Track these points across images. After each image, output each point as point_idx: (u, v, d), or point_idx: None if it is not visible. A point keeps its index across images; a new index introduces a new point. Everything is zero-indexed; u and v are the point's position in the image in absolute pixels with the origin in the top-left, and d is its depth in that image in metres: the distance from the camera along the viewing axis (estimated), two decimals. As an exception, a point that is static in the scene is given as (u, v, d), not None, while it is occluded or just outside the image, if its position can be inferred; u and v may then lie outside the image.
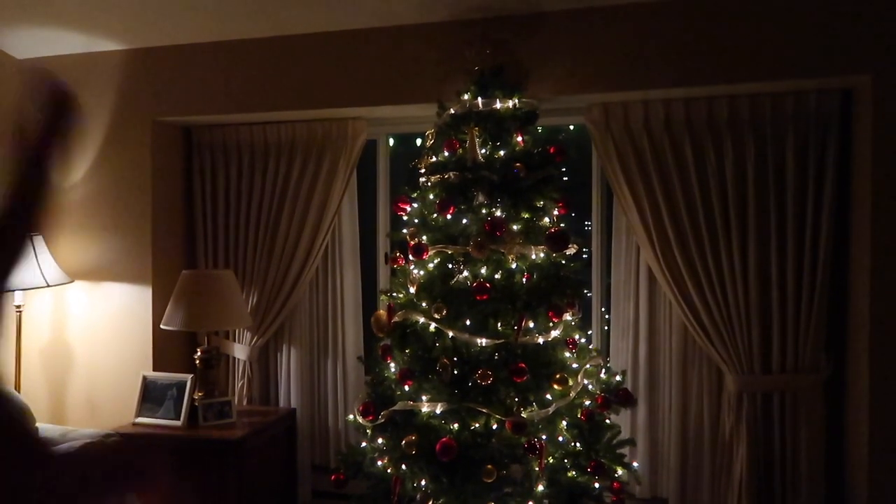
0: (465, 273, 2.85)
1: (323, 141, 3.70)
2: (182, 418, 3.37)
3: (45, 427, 3.23)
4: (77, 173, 3.83)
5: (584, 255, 3.51)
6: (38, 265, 3.52)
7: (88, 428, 3.34)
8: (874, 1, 2.84)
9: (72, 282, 3.74)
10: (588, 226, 3.65)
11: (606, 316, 3.62)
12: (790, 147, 3.08)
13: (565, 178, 3.05)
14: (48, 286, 3.55)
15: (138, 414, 3.45)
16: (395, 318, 2.92)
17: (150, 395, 3.48)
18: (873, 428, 2.87)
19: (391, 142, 3.93)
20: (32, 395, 3.68)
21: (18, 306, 3.60)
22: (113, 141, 3.77)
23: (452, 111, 3.03)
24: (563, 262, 2.93)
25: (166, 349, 3.78)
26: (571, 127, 3.70)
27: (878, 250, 2.86)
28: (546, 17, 3.19)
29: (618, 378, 3.06)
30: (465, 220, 2.88)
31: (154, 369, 3.67)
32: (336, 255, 3.85)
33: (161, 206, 3.79)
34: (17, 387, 3.56)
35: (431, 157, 3.04)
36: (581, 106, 3.36)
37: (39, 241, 3.59)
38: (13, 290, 3.52)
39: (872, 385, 2.87)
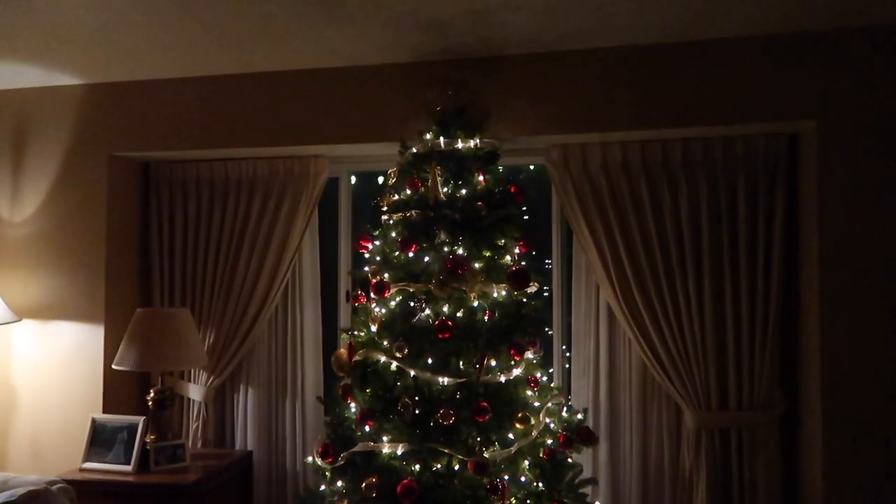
0: (427, 311, 2.84)
1: (284, 178, 3.69)
2: (133, 463, 3.25)
3: (-16, 474, 3.06)
4: (28, 208, 3.73)
5: (545, 294, 3.54)
6: (-17, 303, 3.39)
7: (32, 475, 3.18)
8: (818, 50, 2.99)
9: (19, 320, 3.61)
10: (548, 264, 3.69)
11: (567, 354, 3.64)
12: (741, 188, 3.19)
13: (526, 217, 3.09)
14: (-7, 325, 3.42)
15: (86, 459, 3.31)
16: (356, 357, 2.88)
17: (100, 439, 3.34)
18: (827, 463, 2.92)
19: (353, 179, 3.94)
20: (-28, 440, 3.50)
21: (-40, 346, 3.45)
22: (68, 176, 3.69)
23: (415, 150, 3.06)
24: (525, 300, 2.95)
25: (118, 390, 3.65)
26: (532, 167, 3.77)
27: (826, 290, 2.95)
28: (507, 60, 3.27)
29: (579, 416, 3.06)
30: (426, 259, 2.88)
31: (104, 411, 3.54)
32: (296, 292, 3.80)
33: (116, 242, 3.70)
34: (-44, 431, 3.39)
35: (394, 196, 3.05)
36: (541, 147, 3.43)
37: (-14, 279, 3.47)
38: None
39: (825, 420, 2.93)
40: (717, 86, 3.08)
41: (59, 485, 2.91)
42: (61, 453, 3.52)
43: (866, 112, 2.93)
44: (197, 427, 3.72)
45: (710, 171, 3.23)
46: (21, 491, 2.76)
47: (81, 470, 3.28)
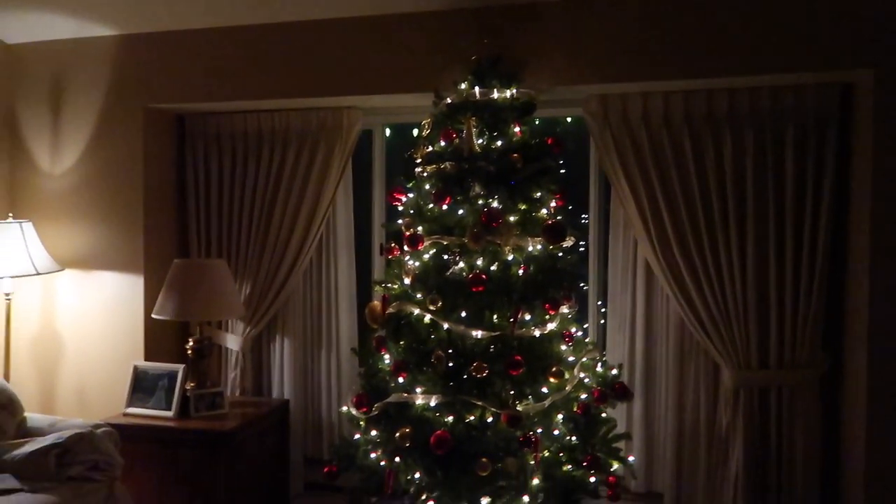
0: (461, 264, 2.81)
1: (317, 130, 3.66)
2: (173, 409, 3.33)
3: (33, 417, 3.18)
4: (68, 160, 3.78)
5: (581, 249, 3.48)
6: (27, 252, 3.47)
7: (78, 418, 3.30)
8: (877, -6, 2.81)
9: (62, 270, 3.70)
10: (584, 219, 3.62)
11: (602, 309, 3.60)
12: (789, 141, 3.06)
13: (562, 171, 3.02)
14: (38, 274, 3.50)
15: (129, 404, 3.41)
16: (390, 310, 2.89)
17: (141, 386, 3.44)
18: (870, 423, 2.85)
19: (387, 132, 3.89)
20: (21, 384, 3.63)
21: (8, 294, 3.55)
22: (105, 128, 3.72)
23: (449, 101, 3.00)
24: (560, 254, 2.90)
25: (158, 339, 3.74)
26: (569, 119, 3.67)
27: (877, 245, 2.84)
28: (544, 7, 3.15)
29: (614, 372, 3.04)
30: (461, 211, 2.84)
31: (145, 359, 3.63)
32: (330, 245, 3.81)
33: (153, 194, 3.74)
34: (6, 376, 3.51)
35: (427, 147, 3.00)
36: (579, 98, 3.32)
37: (29, 229, 3.54)
38: None
39: (870, 380, 2.85)
40: (766, 31, 2.92)
41: (104, 428, 3.01)
42: (105, 398, 3.64)
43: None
44: (234, 376, 3.80)
45: (756, 124, 3.09)
46: (68, 433, 2.87)
47: (125, 415, 3.38)
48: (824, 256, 3.04)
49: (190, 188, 3.89)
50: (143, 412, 3.37)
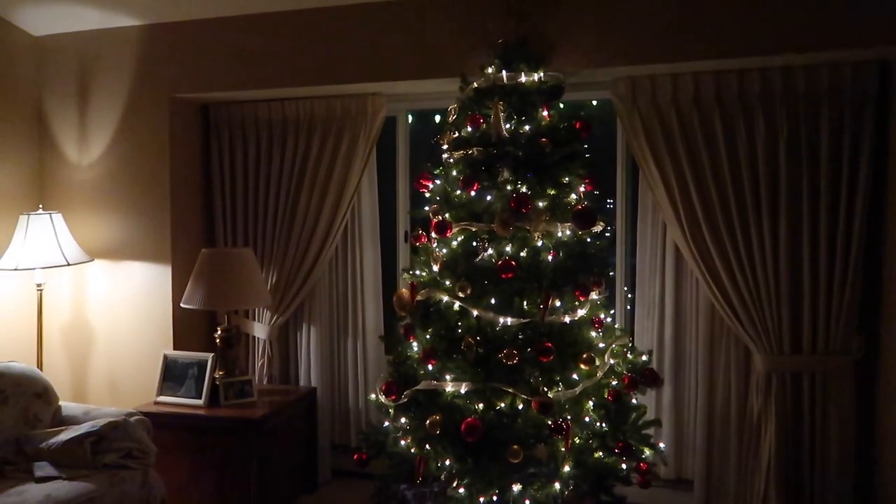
0: (490, 251, 2.79)
1: (342, 118, 3.65)
2: (203, 397, 3.37)
3: (67, 405, 3.23)
4: (95, 151, 3.80)
5: (608, 234, 3.45)
6: (58, 244, 3.51)
7: (110, 406, 3.34)
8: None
9: (91, 260, 3.73)
10: (610, 204, 3.58)
11: (630, 295, 3.56)
12: (824, 122, 2.98)
13: (589, 155, 2.97)
14: (68, 265, 3.54)
15: (160, 392, 3.45)
16: (418, 297, 2.88)
17: (171, 374, 3.47)
18: (907, 410, 2.80)
19: (410, 118, 3.87)
20: (54, 373, 3.68)
21: (39, 285, 3.59)
22: (131, 118, 3.74)
23: (476, 85, 2.96)
24: (590, 239, 2.87)
25: (186, 328, 3.77)
26: (594, 102, 3.61)
27: (917, 228, 2.77)
28: (571, -12, 3.09)
29: (644, 358, 3.01)
30: (489, 197, 2.82)
31: (174, 348, 3.66)
32: (356, 233, 3.81)
33: (179, 184, 3.75)
34: (40, 365, 3.56)
35: (454, 133, 2.97)
36: (606, 80, 3.27)
37: (59, 220, 3.58)
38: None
39: (908, 366, 2.80)
40: (800, 7, 2.83)
41: (137, 416, 3.04)
42: (136, 387, 3.68)
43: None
44: (262, 364, 3.82)
45: (790, 104, 3.02)
46: (102, 421, 2.91)
47: (156, 403, 3.42)
48: (860, 240, 2.97)
49: (215, 178, 3.90)
50: (174, 400, 3.41)
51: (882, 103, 2.97)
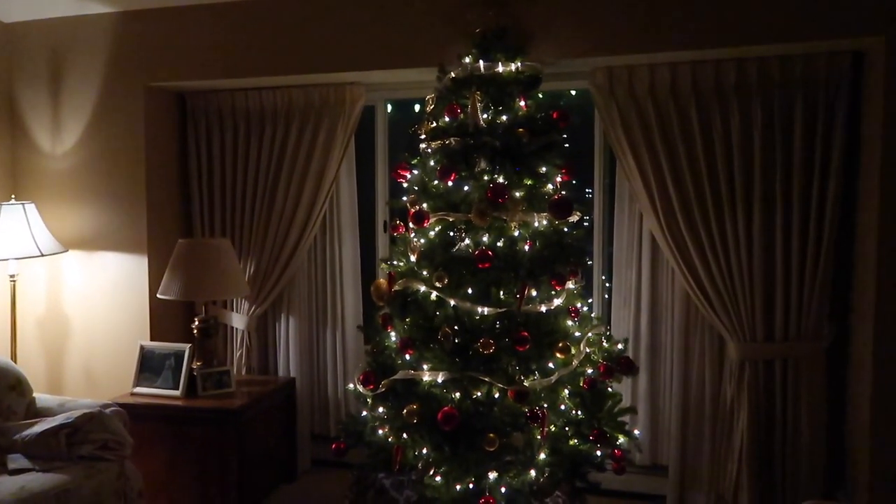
0: (467, 241, 2.80)
1: (320, 107, 3.62)
2: (181, 388, 3.35)
3: (42, 397, 3.20)
4: (69, 140, 3.75)
5: (586, 223, 3.47)
6: (31, 234, 3.46)
7: (86, 398, 3.31)
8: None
9: (66, 251, 3.69)
10: (588, 193, 3.60)
11: (607, 284, 3.59)
12: (798, 111, 3.02)
13: (566, 145, 2.98)
14: (42, 255, 3.49)
15: (136, 384, 3.43)
16: (396, 287, 2.88)
17: (148, 365, 3.45)
18: (875, 395, 2.86)
19: (389, 108, 3.85)
20: (29, 365, 3.64)
21: (13, 276, 3.55)
22: (105, 107, 3.69)
23: (453, 75, 2.96)
24: (566, 229, 2.88)
25: (163, 319, 3.74)
26: (573, 92, 3.62)
27: (886, 216, 2.82)
28: (549, -22, 3.09)
29: (619, 346, 3.04)
30: (466, 187, 2.82)
31: (151, 339, 3.64)
32: (335, 223, 3.80)
33: (155, 173, 3.71)
34: (14, 357, 3.52)
35: (432, 123, 2.96)
36: (585, 70, 3.28)
37: (32, 210, 3.53)
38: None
39: (876, 352, 2.85)
40: (779, 0, 2.86)
41: (113, 408, 3.02)
42: (112, 378, 3.66)
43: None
44: (241, 355, 3.81)
45: (765, 94, 3.05)
46: (78, 413, 2.89)
47: (132, 394, 3.40)
48: (832, 227, 3.02)
49: (192, 167, 3.87)
50: (151, 391, 3.39)
51: (854, 93, 3.02)
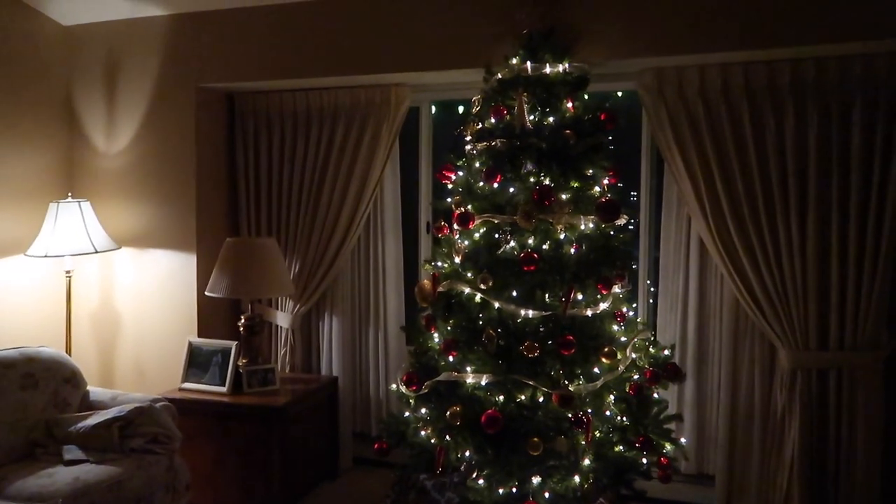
0: (512, 243, 2.78)
1: (366, 108, 3.65)
2: (227, 384, 3.41)
3: (95, 390, 3.29)
4: (123, 140, 3.86)
5: (632, 227, 3.42)
6: (86, 231, 3.56)
7: (136, 392, 3.40)
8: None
9: (119, 248, 3.79)
10: (634, 196, 3.54)
11: (653, 289, 3.53)
12: (857, 114, 2.92)
13: (612, 147, 2.95)
14: (96, 252, 3.59)
15: (184, 379, 3.50)
16: (440, 288, 2.88)
17: (196, 361, 3.52)
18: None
19: (433, 109, 3.86)
20: (83, 359, 3.75)
21: (68, 272, 3.66)
22: (158, 107, 3.78)
23: (500, 76, 2.95)
24: (613, 232, 2.85)
25: (211, 316, 3.81)
26: (619, 93, 3.57)
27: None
28: (598, -23, 3.05)
29: (666, 352, 2.98)
30: (512, 189, 2.81)
31: (199, 335, 3.71)
32: (378, 223, 3.82)
33: (205, 173, 3.79)
34: (68, 350, 3.63)
35: (478, 124, 2.96)
36: (632, 71, 3.23)
37: (87, 208, 3.63)
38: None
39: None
40: (832, -2, 2.78)
41: (162, 402, 3.10)
42: (161, 373, 3.74)
43: None
44: (285, 353, 3.86)
45: (821, 95, 2.96)
46: (129, 407, 2.97)
47: (181, 389, 3.47)
48: (892, 234, 2.90)
49: (240, 167, 3.94)
50: (199, 387, 3.46)
51: (917, 95, 2.90)
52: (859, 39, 2.78)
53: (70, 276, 3.68)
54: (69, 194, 3.75)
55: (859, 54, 2.90)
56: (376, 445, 3.02)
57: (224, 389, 3.41)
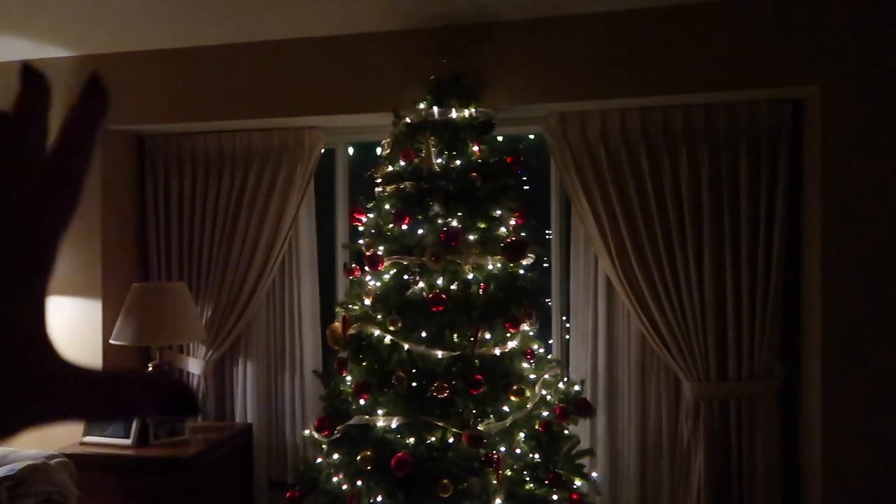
0: (421, 284, 2.81)
1: (279, 150, 3.64)
2: (132, 436, 3.27)
3: (-15, 448, 3.09)
4: (23, 183, 3.70)
5: (545, 264, 3.51)
6: (-20, 279, 3.38)
7: (34, 448, 3.21)
8: (823, 14, 2.89)
9: (17, 296, 3.61)
10: (548, 235, 3.64)
11: (567, 325, 3.62)
12: (743, 156, 3.12)
13: (526, 188, 3.04)
14: (-9, 301, 3.41)
15: (86, 433, 3.33)
16: (351, 331, 2.87)
17: (99, 413, 3.35)
18: (826, 433, 2.90)
19: (350, 150, 3.89)
20: (-25, 414, 3.52)
21: (-41, 322, 3.45)
22: (61, 150, 3.65)
23: (408, 120, 3.01)
24: (521, 271, 2.91)
25: (117, 364, 3.66)
26: (532, 136, 3.70)
27: (828, 258, 2.90)
28: (504, 26, 3.18)
29: (576, 388, 3.05)
30: (420, 231, 2.85)
31: (104, 385, 3.55)
32: (293, 266, 3.79)
33: (111, 217, 3.68)
34: (-42, 406, 3.41)
35: (387, 167, 3.00)
36: (538, 115, 3.36)
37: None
38: None
39: (824, 391, 2.90)
40: (719, 49, 2.98)
41: (58, 459, 2.94)
42: (63, 427, 3.54)
43: (872, 77, 2.84)
44: (197, 400, 3.73)
45: (711, 140, 3.15)
46: (21, 465, 2.80)
47: (81, 444, 3.30)
48: (779, 269, 3.09)
49: (150, 209, 3.84)
50: (101, 440, 3.30)
51: (796, 139, 3.13)
52: (741, 88, 2.99)
53: (-38, 327, 3.47)
54: (-37, 240, 3.57)
55: (743, 101, 3.11)
56: (288, 494, 2.95)
57: (129, 441, 3.26)
